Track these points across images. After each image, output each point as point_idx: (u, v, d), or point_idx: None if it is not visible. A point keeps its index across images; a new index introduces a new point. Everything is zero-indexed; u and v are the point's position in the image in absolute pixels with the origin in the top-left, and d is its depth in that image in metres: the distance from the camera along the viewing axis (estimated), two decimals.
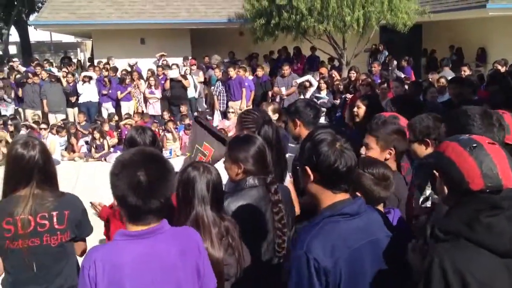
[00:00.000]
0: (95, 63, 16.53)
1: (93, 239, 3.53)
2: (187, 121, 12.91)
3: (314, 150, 2.12)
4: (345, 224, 2.10)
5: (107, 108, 14.40)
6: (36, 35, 35.38)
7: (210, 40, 18.30)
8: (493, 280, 1.84)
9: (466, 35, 17.34)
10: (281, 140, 3.90)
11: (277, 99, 13.65)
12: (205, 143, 4.08)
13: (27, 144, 2.95)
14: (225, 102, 13.80)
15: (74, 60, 23.62)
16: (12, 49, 36.95)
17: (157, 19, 17.05)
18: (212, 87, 14.61)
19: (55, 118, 14.14)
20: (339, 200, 2.15)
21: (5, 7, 30.42)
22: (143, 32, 17.53)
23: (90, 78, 14.38)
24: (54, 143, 11.79)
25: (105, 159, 12.03)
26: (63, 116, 14.33)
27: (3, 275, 3.08)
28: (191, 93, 14.66)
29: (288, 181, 3.93)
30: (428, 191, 3.07)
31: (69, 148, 12.68)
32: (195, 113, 14.03)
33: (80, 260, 2.77)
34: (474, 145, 1.98)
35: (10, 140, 11.97)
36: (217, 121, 13.69)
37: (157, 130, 12.46)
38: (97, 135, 12.30)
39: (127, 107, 14.38)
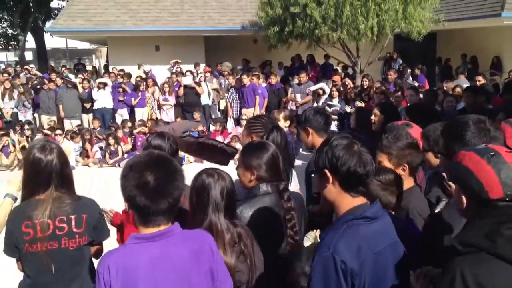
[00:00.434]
0: (110, 70, 16.67)
1: (107, 246, 3.55)
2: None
3: (333, 153, 2.13)
4: (367, 228, 2.11)
5: (122, 114, 14.50)
6: (52, 41, 35.72)
7: (224, 47, 18.38)
8: None
9: (481, 44, 17.22)
10: (288, 147, 3.91)
11: (291, 106, 13.67)
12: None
13: (45, 148, 2.98)
14: (238, 109, 13.83)
15: (89, 67, 23.81)
16: (28, 56, 37.39)
17: (171, 26, 17.16)
18: (226, 94, 14.66)
19: (70, 124, 14.28)
20: (359, 204, 2.15)
21: (22, 14, 30.76)
22: (157, 39, 17.65)
23: (105, 84, 14.50)
24: (69, 148, 11.88)
25: (119, 165, 12.10)
26: (78, 122, 14.47)
27: (21, 278, 3.11)
28: (205, 100, 14.71)
29: (298, 188, 3.93)
30: (443, 202, 3.05)
31: (84, 153, 12.77)
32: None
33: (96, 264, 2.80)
34: (492, 153, 1.96)
35: (27, 145, 12.10)
36: (230, 128, 13.73)
37: None
38: (112, 141, 12.38)
39: (141, 114, 14.46)
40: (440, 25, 14.52)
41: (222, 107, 15.16)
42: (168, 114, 14.51)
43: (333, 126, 11.96)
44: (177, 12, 17.73)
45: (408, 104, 8.08)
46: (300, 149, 5.71)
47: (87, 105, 14.45)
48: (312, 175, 2.40)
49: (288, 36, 14.31)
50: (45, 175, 2.95)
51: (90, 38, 22.82)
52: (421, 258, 2.34)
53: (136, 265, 2.08)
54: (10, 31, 34.66)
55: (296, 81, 13.73)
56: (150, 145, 3.44)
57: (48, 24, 30.81)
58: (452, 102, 8.53)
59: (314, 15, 13.13)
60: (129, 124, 13.77)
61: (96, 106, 14.45)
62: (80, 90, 14.41)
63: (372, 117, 5.39)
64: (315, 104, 12.82)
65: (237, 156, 3.57)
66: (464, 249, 1.90)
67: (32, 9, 31.12)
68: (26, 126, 12.71)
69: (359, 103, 11.39)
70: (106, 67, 20.49)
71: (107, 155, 12.48)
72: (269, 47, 15.33)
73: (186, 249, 2.19)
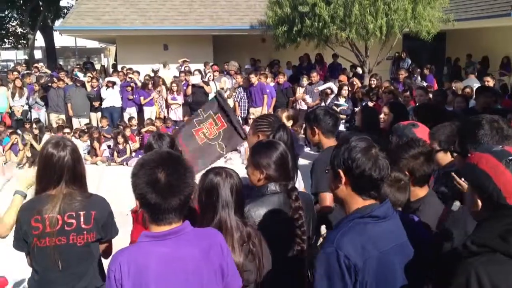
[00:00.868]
0: (119, 69, 16.72)
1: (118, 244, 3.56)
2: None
3: (349, 155, 2.12)
4: (374, 227, 2.10)
5: (130, 113, 14.53)
6: (61, 40, 35.90)
7: (232, 46, 18.39)
8: None
9: (490, 44, 17.13)
10: (294, 146, 3.91)
11: (299, 106, 13.65)
12: (219, 115, 4.10)
13: (58, 144, 3.03)
14: (246, 108, 13.84)
15: (98, 66, 23.89)
16: (38, 54, 37.54)
17: (180, 25, 17.19)
18: (233, 93, 14.66)
19: (78, 123, 14.34)
20: (368, 204, 2.15)
21: (32, 12, 30.91)
22: (166, 38, 17.69)
23: (114, 83, 14.54)
24: (78, 146, 11.91)
25: (127, 164, 12.14)
26: (87, 121, 14.53)
27: (29, 275, 3.13)
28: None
29: (302, 187, 3.93)
30: (457, 203, 3.01)
31: (92, 152, 12.82)
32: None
33: (105, 262, 2.81)
34: (510, 158, 1.93)
35: (34, 143, 12.17)
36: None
37: None
38: (120, 139, 12.43)
39: (149, 112, 14.49)
40: (449, 25, 14.44)
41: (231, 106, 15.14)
42: (176, 113, 14.53)
43: (341, 126, 11.95)
44: (185, 11, 17.76)
45: (417, 104, 8.05)
46: (305, 148, 5.71)
47: (96, 104, 14.50)
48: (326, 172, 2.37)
49: (297, 36, 14.29)
50: (56, 171, 2.98)
51: (99, 37, 22.91)
52: (429, 261, 2.32)
53: (148, 263, 2.09)
54: (19, 30, 34.84)
55: (306, 81, 13.69)
56: (151, 146, 3.46)
57: (57, 23, 30.95)
58: (462, 103, 8.47)
59: (323, 14, 13.11)
60: (135, 122, 13.79)
61: (104, 104, 14.50)
62: (89, 88, 14.46)
63: (382, 115, 5.39)
64: (322, 104, 12.81)
65: (246, 155, 3.56)
66: (478, 249, 1.88)
67: (41, 8, 31.27)
68: (34, 125, 12.78)
69: (370, 103, 11.35)
70: (114, 66, 20.55)
71: (115, 154, 12.52)
72: (278, 46, 15.32)
73: (197, 247, 2.20)
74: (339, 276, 2.00)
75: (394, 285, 2.10)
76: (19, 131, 12.99)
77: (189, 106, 14.59)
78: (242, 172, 3.10)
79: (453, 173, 3.03)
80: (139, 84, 14.59)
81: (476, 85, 10.12)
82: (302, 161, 4.56)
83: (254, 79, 13.55)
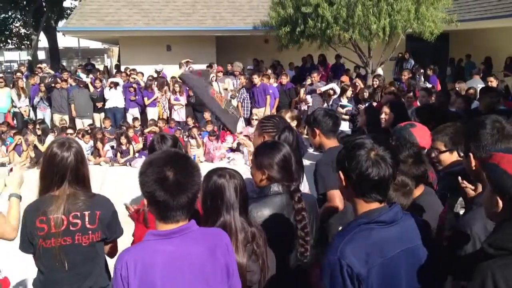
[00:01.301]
0: (122, 69, 16.75)
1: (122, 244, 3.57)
2: (211, 127, 12.98)
3: (348, 155, 2.10)
4: (380, 232, 2.07)
5: (133, 114, 14.55)
6: (64, 41, 35.98)
7: (235, 47, 18.40)
8: None
9: (494, 45, 17.10)
10: (300, 146, 3.91)
11: (303, 107, 13.65)
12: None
13: (63, 144, 3.04)
14: (249, 109, 13.83)
15: (101, 66, 23.94)
16: (41, 55, 37.65)
17: (183, 26, 17.21)
18: (237, 94, 14.67)
19: (82, 123, 14.36)
20: (375, 208, 2.11)
21: (35, 13, 30.96)
22: (169, 39, 17.71)
23: (117, 84, 14.56)
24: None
25: (130, 164, 12.15)
26: (90, 121, 14.55)
27: (35, 275, 3.14)
28: None
29: (307, 189, 3.93)
30: (459, 205, 3.00)
31: (95, 152, 12.84)
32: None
33: (110, 262, 2.81)
34: None
35: (38, 144, 12.19)
36: (240, 127, 13.71)
37: (181, 136, 12.56)
38: (123, 140, 12.44)
39: (153, 113, 14.51)
40: (452, 26, 14.43)
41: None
42: (179, 114, 14.54)
43: (346, 127, 11.96)
44: (188, 12, 17.78)
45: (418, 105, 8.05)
46: (308, 149, 5.72)
47: (99, 105, 14.52)
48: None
49: (300, 36, 14.30)
50: (59, 171, 2.99)
51: (102, 38, 22.95)
52: (440, 265, 2.31)
53: (154, 262, 2.10)
54: (23, 31, 34.94)
55: (309, 81, 13.69)
56: (154, 148, 3.47)
57: (60, 24, 31.02)
58: (462, 104, 8.46)
59: (326, 15, 13.11)
60: (138, 123, 13.81)
61: (107, 105, 14.51)
62: (91, 89, 14.48)
63: (382, 115, 5.39)
64: (325, 105, 12.81)
65: (250, 156, 3.58)
66: (495, 252, 1.86)
67: (45, 9, 31.33)
68: (38, 126, 12.80)
69: (374, 103, 11.36)
70: (117, 66, 20.59)
71: (119, 154, 12.54)
72: (280, 47, 15.32)
73: (203, 246, 2.21)
74: (341, 285, 1.99)
75: None
76: (27, 132, 12.98)
77: (192, 107, 14.60)
78: (243, 172, 3.10)
79: (459, 177, 3.03)
80: (143, 84, 14.61)
81: (480, 85, 10.11)
82: (305, 162, 4.54)
83: (256, 79, 13.55)
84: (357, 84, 13.53)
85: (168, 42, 17.86)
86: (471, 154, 2.55)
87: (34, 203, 3.04)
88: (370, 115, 5.67)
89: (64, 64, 29.88)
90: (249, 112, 13.78)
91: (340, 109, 12.13)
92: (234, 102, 14.72)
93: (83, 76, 16.09)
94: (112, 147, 12.89)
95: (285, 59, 17.82)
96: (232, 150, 12.80)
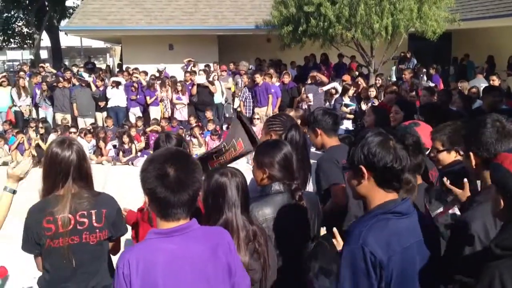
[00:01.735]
0: (124, 68, 16.76)
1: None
2: (212, 126, 13.00)
3: (369, 150, 2.15)
4: (397, 223, 2.13)
5: (135, 113, 14.57)
6: (66, 40, 36.04)
7: (237, 46, 18.40)
8: None
9: (497, 44, 17.07)
10: (307, 145, 3.91)
11: (304, 106, 13.64)
12: (240, 140, 4.09)
13: (63, 143, 3.03)
14: (251, 108, 13.83)
15: (103, 65, 23.94)
16: (43, 54, 37.69)
17: (185, 25, 17.22)
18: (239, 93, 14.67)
19: (84, 122, 14.38)
20: (390, 200, 2.18)
21: (37, 12, 31.03)
22: (171, 38, 17.72)
23: (119, 83, 14.57)
24: (83, 146, 11.94)
25: (133, 163, 12.17)
26: (92, 120, 14.57)
27: (39, 274, 3.14)
28: (218, 98, 14.72)
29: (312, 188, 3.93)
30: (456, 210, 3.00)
31: (97, 151, 12.86)
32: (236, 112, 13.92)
33: (114, 260, 2.81)
34: None
35: (41, 143, 12.21)
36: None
37: (183, 135, 12.57)
38: (126, 139, 12.45)
39: (155, 112, 14.52)
40: (455, 25, 14.40)
41: (236, 106, 15.15)
42: (182, 113, 14.55)
43: (350, 125, 11.95)
44: (191, 11, 17.79)
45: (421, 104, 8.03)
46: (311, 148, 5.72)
47: (101, 104, 14.54)
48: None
49: (302, 35, 14.28)
50: (63, 170, 2.99)
51: (105, 37, 22.97)
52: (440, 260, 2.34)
53: (156, 260, 2.10)
54: (25, 30, 34.96)
55: (309, 81, 13.68)
56: (159, 146, 3.47)
57: (63, 23, 31.05)
58: (460, 103, 8.44)
59: (328, 14, 13.09)
60: (140, 122, 13.82)
61: (110, 104, 14.54)
62: (93, 88, 14.50)
63: (392, 114, 5.42)
64: (327, 104, 12.80)
65: (251, 155, 3.58)
66: (502, 252, 1.86)
67: (47, 8, 31.39)
68: (41, 125, 12.83)
69: (376, 102, 11.35)
70: (120, 65, 20.60)
71: (121, 153, 12.55)
72: (283, 46, 15.31)
73: (205, 245, 2.21)
74: (364, 272, 2.02)
75: (414, 281, 2.14)
76: (31, 131, 12.99)
77: (194, 106, 14.61)
78: (245, 171, 3.11)
79: (444, 178, 3.05)
80: (145, 83, 14.62)
81: (483, 85, 10.09)
82: None
83: (259, 78, 13.54)
84: (359, 82, 13.52)
85: (170, 41, 17.87)
86: (471, 153, 2.54)
87: (38, 204, 3.03)
88: (379, 115, 5.68)
89: (67, 63, 29.85)
90: (251, 111, 13.77)
91: (344, 108, 12.12)
92: (237, 101, 14.74)
93: (85, 75, 16.11)
94: (114, 146, 12.91)
95: (288, 58, 17.81)
96: None
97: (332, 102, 12.73)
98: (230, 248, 2.32)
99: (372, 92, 11.87)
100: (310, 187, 3.78)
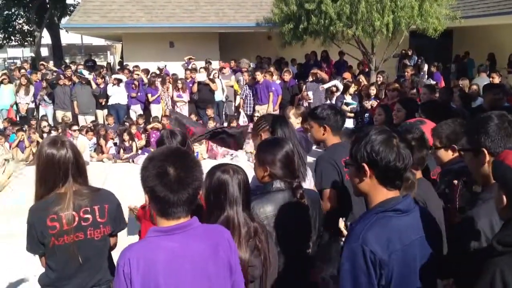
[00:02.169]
0: (124, 66, 16.75)
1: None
2: (213, 124, 12.98)
3: (372, 148, 2.14)
4: (397, 220, 2.13)
5: (136, 110, 14.56)
6: (67, 37, 36.01)
7: (238, 44, 18.39)
8: None
9: (498, 41, 17.06)
10: (300, 141, 3.91)
11: (305, 104, 13.63)
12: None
13: (55, 142, 3.01)
14: (251, 106, 13.82)
15: (104, 63, 23.92)
16: (44, 51, 37.63)
17: (186, 23, 17.20)
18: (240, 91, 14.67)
19: (84, 120, 14.38)
20: (391, 197, 2.18)
21: (38, 10, 30.98)
22: (172, 36, 17.71)
23: (120, 80, 14.56)
24: (84, 144, 11.97)
25: (133, 161, 12.16)
26: (92, 118, 14.55)
27: (40, 272, 3.14)
28: (219, 96, 14.71)
29: (313, 185, 3.92)
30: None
31: (98, 149, 12.85)
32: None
33: (114, 255, 2.81)
34: None
35: (41, 140, 12.21)
36: (242, 123, 13.69)
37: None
38: (126, 137, 12.45)
39: (157, 110, 14.50)
40: (456, 22, 14.38)
41: (237, 103, 15.16)
42: (182, 111, 14.53)
43: (350, 124, 11.93)
44: (191, 8, 17.77)
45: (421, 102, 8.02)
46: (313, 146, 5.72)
47: (102, 101, 14.53)
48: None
49: (303, 33, 14.27)
50: (62, 169, 2.98)
51: (105, 35, 22.94)
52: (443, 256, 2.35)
53: (157, 258, 2.10)
54: (26, 27, 34.92)
55: (310, 79, 13.67)
56: (163, 143, 3.47)
57: (63, 20, 30.94)
58: (459, 101, 8.43)
59: (329, 11, 13.07)
60: (141, 120, 13.80)
61: (110, 102, 14.52)
62: (94, 86, 14.48)
63: (394, 112, 5.42)
64: (328, 101, 12.78)
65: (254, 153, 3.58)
66: (504, 249, 1.85)
67: (48, 5, 31.34)
68: (44, 123, 12.83)
69: (374, 102, 11.33)
70: (120, 63, 20.59)
71: (121, 151, 12.55)
72: (284, 43, 15.30)
73: (205, 243, 2.21)
74: (364, 271, 2.02)
75: (415, 278, 2.14)
76: (32, 129, 12.99)
77: (195, 103, 14.60)
78: (246, 169, 3.10)
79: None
80: (145, 81, 14.61)
81: (484, 83, 10.06)
82: (310, 159, 4.55)
83: (259, 76, 13.53)
84: (360, 80, 13.50)
85: (171, 39, 17.86)
86: (485, 150, 2.49)
87: (40, 204, 3.01)
88: (388, 115, 5.70)
89: (67, 60, 29.86)
90: (252, 109, 13.77)
91: (344, 107, 12.09)
92: (238, 99, 14.74)
93: (85, 73, 16.10)
94: (115, 144, 12.90)
95: (288, 56, 17.79)
96: None
97: (334, 100, 12.71)
98: (230, 245, 2.32)
99: (373, 90, 11.85)
100: (311, 185, 3.77)
